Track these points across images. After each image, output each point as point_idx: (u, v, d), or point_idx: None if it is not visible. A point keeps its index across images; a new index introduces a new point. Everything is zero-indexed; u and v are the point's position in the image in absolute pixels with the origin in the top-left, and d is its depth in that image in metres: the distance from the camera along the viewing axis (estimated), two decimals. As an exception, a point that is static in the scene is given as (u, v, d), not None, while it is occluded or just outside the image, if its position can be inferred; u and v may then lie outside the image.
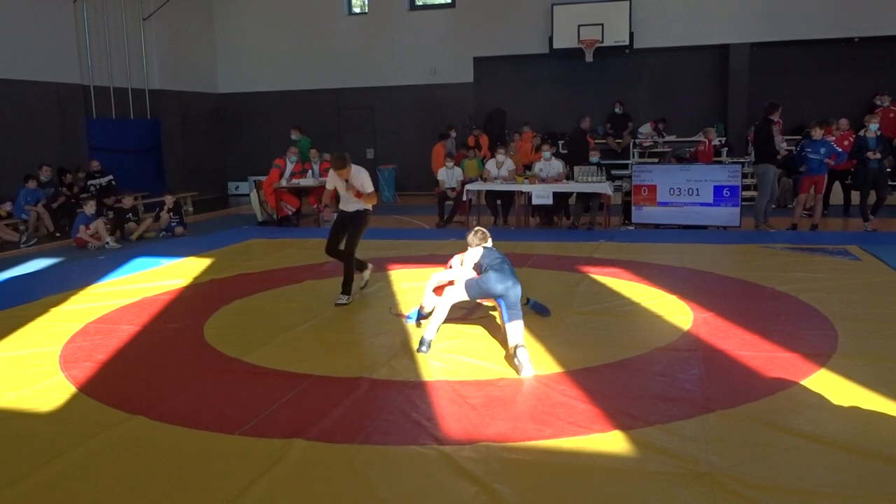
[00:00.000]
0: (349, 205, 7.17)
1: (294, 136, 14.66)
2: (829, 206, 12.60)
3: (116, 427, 4.13)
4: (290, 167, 13.17)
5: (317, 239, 11.22)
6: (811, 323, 5.88)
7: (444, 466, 3.56)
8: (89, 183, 13.81)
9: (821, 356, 5.01)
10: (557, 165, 12.01)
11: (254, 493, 3.31)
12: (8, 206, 12.31)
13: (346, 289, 6.99)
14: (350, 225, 7.13)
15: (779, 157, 11.48)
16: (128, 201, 12.25)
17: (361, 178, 7.09)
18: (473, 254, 5.61)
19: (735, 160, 13.98)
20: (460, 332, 5.84)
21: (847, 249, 8.96)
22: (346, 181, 7.04)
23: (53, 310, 6.95)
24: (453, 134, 15.55)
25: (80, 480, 3.53)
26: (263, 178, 13.49)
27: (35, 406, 4.50)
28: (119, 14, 16.17)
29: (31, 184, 12.32)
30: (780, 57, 16.27)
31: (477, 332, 5.88)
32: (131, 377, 5.05)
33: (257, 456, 3.69)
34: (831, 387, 4.46)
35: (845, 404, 4.17)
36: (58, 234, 12.08)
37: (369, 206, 7.17)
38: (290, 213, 13.16)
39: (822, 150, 10.71)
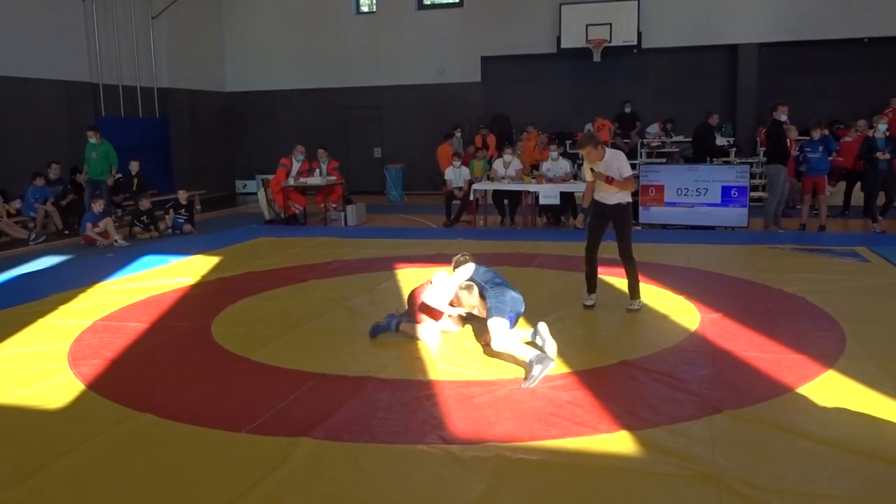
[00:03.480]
0: (608, 196, 6.43)
1: (92, 139, 12.51)
2: (851, 207, 12.54)
3: (124, 424, 4.15)
4: (296, 166, 13.16)
5: (324, 238, 11.27)
6: (819, 324, 5.86)
7: (451, 466, 3.57)
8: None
9: (829, 358, 4.99)
10: (565, 165, 12.00)
11: (260, 492, 3.33)
12: (17, 204, 12.37)
13: (635, 293, 6.52)
14: (614, 223, 6.51)
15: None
16: (145, 203, 12.26)
17: (619, 161, 6.32)
18: (466, 270, 5.76)
19: (743, 161, 13.92)
20: (467, 334, 5.84)
21: (855, 251, 8.92)
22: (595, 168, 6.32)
23: (62, 307, 6.98)
24: (458, 133, 15.55)
25: (89, 477, 3.55)
26: (271, 177, 13.51)
27: (44, 403, 4.53)
28: (128, 12, 16.23)
29: (39, 181, 12.36)
30: (789, 57, 16.22)
31: (481, 331, 5.86)
32: (139, 375, 5.08)
33: (264, 454, 3.71)
34: (839, 389, 4.44)
35: (853, 406, 4.15)
36: (66, 232, 12.13)
37: (629, 197, 6.49)
38: (297, 211, 13.18)
39: (821, 149, 10.69)
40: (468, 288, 5.47)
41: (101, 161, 12.56)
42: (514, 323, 5.37)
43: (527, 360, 4.77)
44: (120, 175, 13.32)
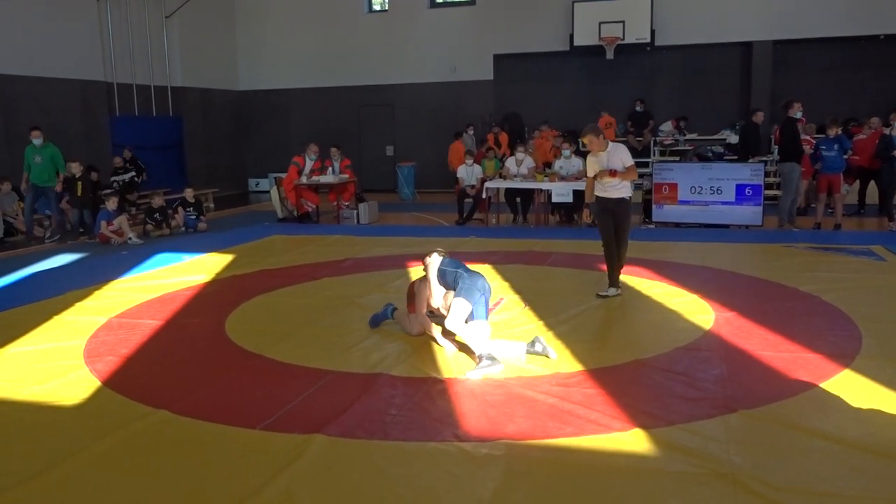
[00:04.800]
0: (611, 191, 6.78)
1: (36, 140, 11.40)
2: (866, 206, 12.44)
3: (139, 421, 4.18)
4: (309, 164, 13.21)
5: (336, 236, 11.30)
6: (835, 323, 5.81)
7: (464, 463, 3.56)
8: (112, 179, 13.95)
9: (844, 357, 4.95)
10: (577, 163, 11.94)
11: (274, 488, 3.34)
12: (33, 202, 12.45)
13: (614, 280, 6.94)
14: (615, 216, 6.83)
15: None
16: (157, 201, 12.31)
17: (621, 153, 6.72)
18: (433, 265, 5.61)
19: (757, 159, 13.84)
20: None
21: (871, 249, 8.85)
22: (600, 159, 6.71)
23: (77, 304, 7.03)
24: (471, 131, 15.53)
25: (104, 473, 3.58)
26: (284, 175, 13.55)
27: (60, 399, 4.56)
28: (142, 12, 16.33)
29: (55, 180, 12.44)
30: (804, 54, 16.11)
31: (494, 330, 5.86)
32: (154, 371, 5.11)
33: (278, 451, 3.72)
34: (855, 388, 4.41)
35: (869, 406, 4.12)
36: (81, 230, 12.20)
37: (630, 192, 6.86)
38: (310, 209, 13.21)
39: (836, 147, 10.61)
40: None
41: (47, 165, 11.31)
42: (487, 305, 5.40)
43: (477, 354, 4.86)
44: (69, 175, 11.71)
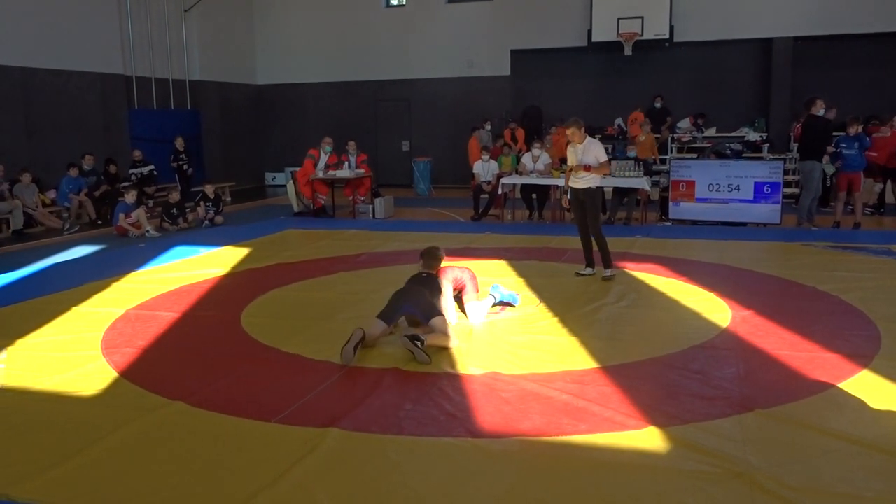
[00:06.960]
0: (578, 181, 7.46)
1: None
2: (886, 205, 12.31)
3: (156, 412, 4.21)
4: (324, 158, 13.21)
5: (352, 230, 11.32)
6: (853, 323, 5.75)
7: (479, 459, 3.56)
8: (130, 172, 14.04)
9: (863, 357, 4.90)
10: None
11: (289, 481, 3.35)
12: (52, 194, 12.58)
13: (607, 262, 7.48)
14: (584, 205, 7.47)
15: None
16: (174, 196, 12.37)
17: (596, 149, 7.32)
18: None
19: (776, 156, 13.72)
20: (492, 326, 5.84)
21: (891, 249, 8.75)
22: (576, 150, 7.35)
23: (95, 296, 7.09)
24: (487, 126, 15.48)
25: (120, 463, 3.61)
26: (300, 169, 13.57)
27: (77, 390, 4.61)
28: (161, 6, 16.41)
29: (73, 172, 12.55)
30: (825, 51, 15.93)
31: (509, 326, 5.86)
32: (170, 363, 5.15)
33: (293, 444, 3.74)
34: (873, 389, 4.36)
35: (887, 407, 4.08)
36: (100, 222, 12.31)
37: (599, 183, 7.50)
38: (323, 201, 13.23)
39: (857, 145, 10.48)
40: None
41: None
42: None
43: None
44: None
